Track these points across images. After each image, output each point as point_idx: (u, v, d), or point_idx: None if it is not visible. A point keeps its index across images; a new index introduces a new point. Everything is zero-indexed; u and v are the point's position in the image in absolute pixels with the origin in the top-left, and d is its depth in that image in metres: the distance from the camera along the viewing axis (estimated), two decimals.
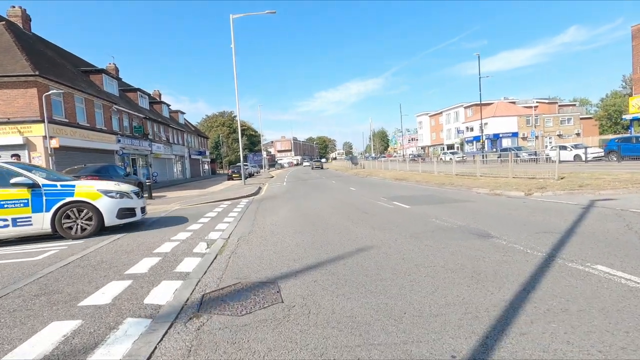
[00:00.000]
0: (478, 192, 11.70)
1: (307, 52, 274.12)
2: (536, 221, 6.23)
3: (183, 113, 48.34)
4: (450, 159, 33.09)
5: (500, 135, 54.93)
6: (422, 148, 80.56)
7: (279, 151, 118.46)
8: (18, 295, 3.65)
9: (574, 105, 71.67)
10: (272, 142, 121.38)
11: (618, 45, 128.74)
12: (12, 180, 6.34)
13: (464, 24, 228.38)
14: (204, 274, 4.14)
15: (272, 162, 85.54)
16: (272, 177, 36.48)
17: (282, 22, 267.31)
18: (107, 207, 6.93)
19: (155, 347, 2.44)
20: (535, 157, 23.30)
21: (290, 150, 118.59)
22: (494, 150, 46.97)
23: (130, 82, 37.34)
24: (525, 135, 53.82)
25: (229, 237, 6.29)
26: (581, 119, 58.72)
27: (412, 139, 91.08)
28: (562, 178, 12.15)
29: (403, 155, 61.88)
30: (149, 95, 38.41)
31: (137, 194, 7.79)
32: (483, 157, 21.37)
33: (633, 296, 2.91)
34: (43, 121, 17.43)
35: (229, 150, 77.86)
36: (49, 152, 17.54)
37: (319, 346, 2.38)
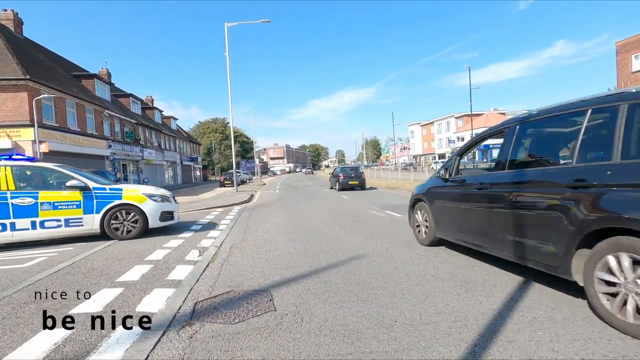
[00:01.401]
0: None
1: (300, 60, 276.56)
2: None
3: (175, 119, 48.19)
4: None
5: (491, 146, 55.71)
6: (414, 157, 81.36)
7: (272, 158, 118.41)
8: (7, 302, 3.61)
9: None
10: (264, 149, 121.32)
11: (603, 59, 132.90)
12: (68, 183, 6.70)
13: (456, 36, 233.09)
14: (197, 282, 4.13)
15: (265, 170, 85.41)
16: (265, 184, 36.41)
17: (276, 30, 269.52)
18: (152, 210, 7.24)
19: (148, 356, 2.44)
20: None
21: (282, 158, 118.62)
22: (485, 160, 47.65)
23: (123, 88, 37.19)
24: None
25: (221, 245, 6.28)
26: None
27: (404, 148, 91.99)
28: None
29: (395, 164, 62.40)
30: (141, 100, 38.25)
31: (173, 198, 8.11)
32: (474, 167, 21.69)
33: None
34: (33, 125, 17.24)
35: (221, 157, 77.52)
36: (38, 156, 17.28)
37: (312, 354, 2.41)
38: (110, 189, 7.09)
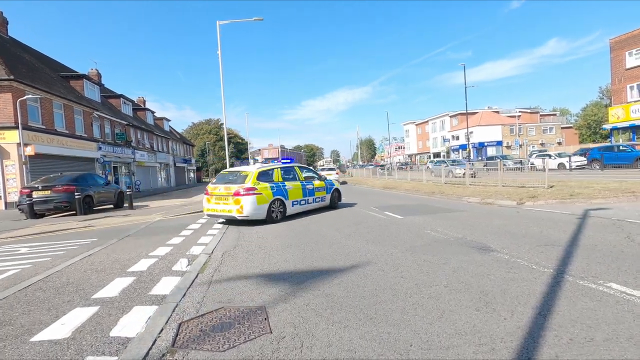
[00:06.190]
0: (469, 201, 11.54)
1: (294, 60, 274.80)
2: (534, 232, 6.01)
3: (168, 120, 47.45)
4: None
5: (485, 144, 55.82)
6: (409, 156, 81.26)
7: (266, 159, 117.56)
8: None
9: (555, 114, 73.68)
10: (259, 150, 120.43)
11: (595, 57, 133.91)
12: (325, 175, 11.95)
13: (450, 36, 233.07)
14: (183, 296, 3.71)
15: None
16: None
17: (269, 29, 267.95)
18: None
19: None
20: (520, 165, 23.58)
21: (277, 158, 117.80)
22: (480, 158, 47.56)
23: (114, 89, 36.43)
24: (510, 144, 54.83)
25: (212, 252, 5.85)
26: (562, 128, 60.30)
27: (399, 147, 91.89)
28: (551, 187, 12.13)
29: (390, 163, 62.11)
30: (132, 101, 37.53)
31: None
32: (471, 166, 21.43)
33: None
34: (17, 127, 16.61)
35: (215, 158, 76.72)
36: (23, 159, 16.68)
37: None
38: (328, 179, 11.54)
